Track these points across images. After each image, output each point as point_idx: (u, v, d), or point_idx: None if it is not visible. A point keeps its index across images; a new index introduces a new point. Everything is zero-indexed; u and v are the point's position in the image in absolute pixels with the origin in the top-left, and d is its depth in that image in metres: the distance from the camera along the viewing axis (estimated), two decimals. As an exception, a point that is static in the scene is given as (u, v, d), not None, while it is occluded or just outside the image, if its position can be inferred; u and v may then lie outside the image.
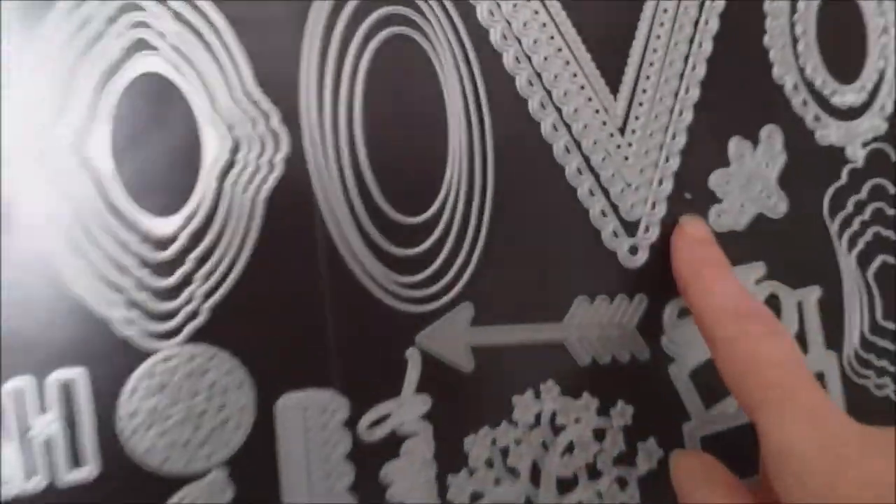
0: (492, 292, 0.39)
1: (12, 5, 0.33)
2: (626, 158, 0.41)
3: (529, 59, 0.39)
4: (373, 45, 0.37)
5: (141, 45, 0.34)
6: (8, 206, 0.32)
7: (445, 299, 0.39)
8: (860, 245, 0.46)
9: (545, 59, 0.39)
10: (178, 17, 0.34)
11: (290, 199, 0.36)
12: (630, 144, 0.41)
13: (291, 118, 0.35)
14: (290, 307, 0.36)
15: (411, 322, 0.38)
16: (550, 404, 0.41)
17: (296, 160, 0.36)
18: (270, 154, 0.35)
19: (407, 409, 0.38)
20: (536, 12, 0.39)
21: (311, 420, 0.37)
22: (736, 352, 0.36)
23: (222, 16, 0.35)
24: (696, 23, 0.42)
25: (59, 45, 0.33)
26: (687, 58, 0.42)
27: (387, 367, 0.38)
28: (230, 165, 0.35)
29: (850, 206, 0.46)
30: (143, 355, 0.34)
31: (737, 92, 0.44)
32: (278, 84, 0.35)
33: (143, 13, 0.34)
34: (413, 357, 0.38)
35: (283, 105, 0.35)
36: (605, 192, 0.41)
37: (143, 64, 0.34)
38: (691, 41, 0.42)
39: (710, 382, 0.42)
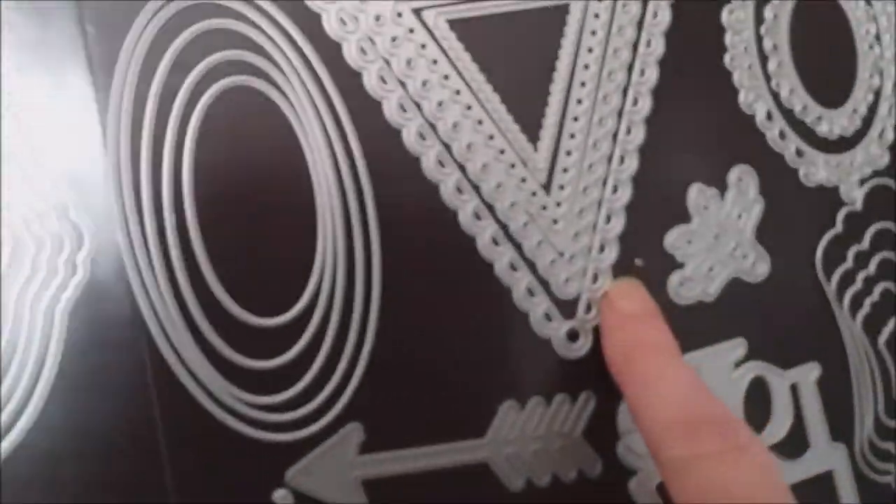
0: (386, 408, 0.31)
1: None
2: (555, 222, 0.33)
3: (419, 106, 0.31)
4: (206, 99, 0.29)
5: None
6: None
7: (324, 421, 0.30)
8: (866, 307, 0.37)
9: (439, 104, 0.32)
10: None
11: (102, 310, 0.28)
12: (559, 204, 0.33)
13: (96, 206, 0.28)
14: (114, 455, 0.28)
15: (279, 455, 0.30)
16: (475, 544, 0.32)
17: (105, 258, 0.28)
18: (70, 253, 0.28)
19: (281, 573, 0.30)
20: (423, 46, 0.32)
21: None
22: (688, 478, 0.27)
23: None
24: (636, 45, 0.35)
25: None
26: (626, 90, 0.34)
27: (250, 515, 0.30)
28: (16, 273, 0.27)
29: (850, 260, 0.37)
30: None
31: (694, 128, 0.35)
32: (76, 158, 0.28)
33: None
34: (284, 500, 0.30)
35: (85, 189, 0.28)
36: (531, 266, 0.33)
37: None
38: (630, 69, 0.34)
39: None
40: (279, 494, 0.30)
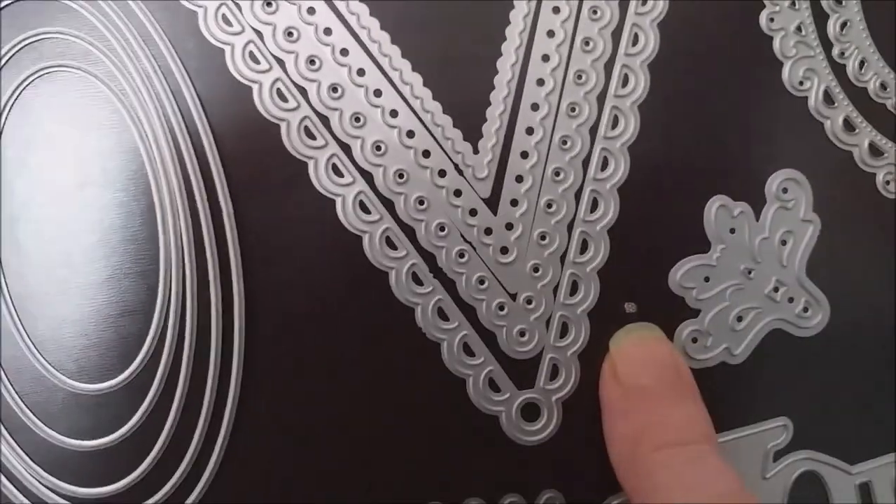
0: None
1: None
2: (504, 251, 0.25)
3: (303, 92, 0.24)
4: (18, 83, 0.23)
5: None
6: None
7: (170, 522, 0.23)
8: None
9: (333, 89, 0.24)
10: None
11: None
12: (510, 226, 0.25)
13: None
14: None
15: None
16: None
17: None
18: None
19: None
20: (311, 10, 0.24)
21: None
22: None
23: None
24: (625, 7, 0.26)
25: None
26: (611, 61, 0.26)
27: None
28: None
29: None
30: None
31: (715, 115, 0.26)
32: None
33: None
34: None
35: None
36: (470, 313, 0.25)
37: None
38: (617, 33, 0.26)
39: None
40: None
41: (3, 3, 0.24)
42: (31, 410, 0.24)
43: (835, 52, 0.28)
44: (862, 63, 0.28)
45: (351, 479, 0.24)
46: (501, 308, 0.26)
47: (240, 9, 0.24)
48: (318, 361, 0.24)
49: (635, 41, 0.27)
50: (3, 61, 0.25)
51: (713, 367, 0.27)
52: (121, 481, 0.24)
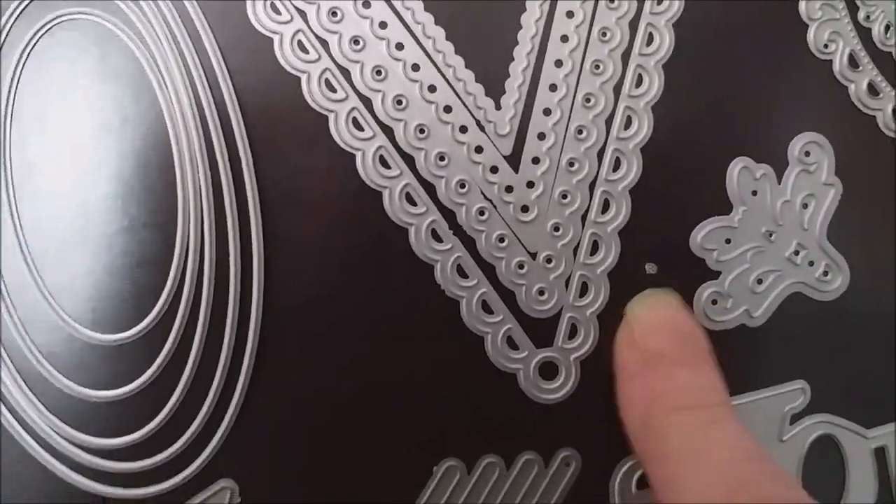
0: (270, 461, 0.24)
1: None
2: (525, 209, 0.25)
3: (324, 43, 0.24)
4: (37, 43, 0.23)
5: None
6: None
7: (183, 476, 0.24)
8: None
9: (355, 42, 0.24)
10: None
11: None
12: (531, 184, 0.25)
13: None
14: None
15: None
16: None
17: None
18: None
19: None
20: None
21: None
22: None
23: None
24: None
25: None
26: (638, 16, 0.26)
27: None
28: None
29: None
30: None
31: (736, 77, 0.27)
32: None
33: None
34: (129, 580, 0.24)
35: None
36: (489, 271, 0.25)
37: None
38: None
39: None
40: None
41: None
42: (47, 360, 0.24)
43: (860, 15, 0.28)
44: (888, 27, 0.28)
45: (368, 433, 0.25)
46: (521, 266, 0.26)
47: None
48: (336, 315, 0.25)
49: (660, 1, 0.27)
50: (20, 9, 0.25)
51: (732, 329, 0.27)
52: (136, 433, 0.24)
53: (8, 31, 0.25)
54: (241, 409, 0.24)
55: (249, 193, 0.24)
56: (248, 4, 0.25)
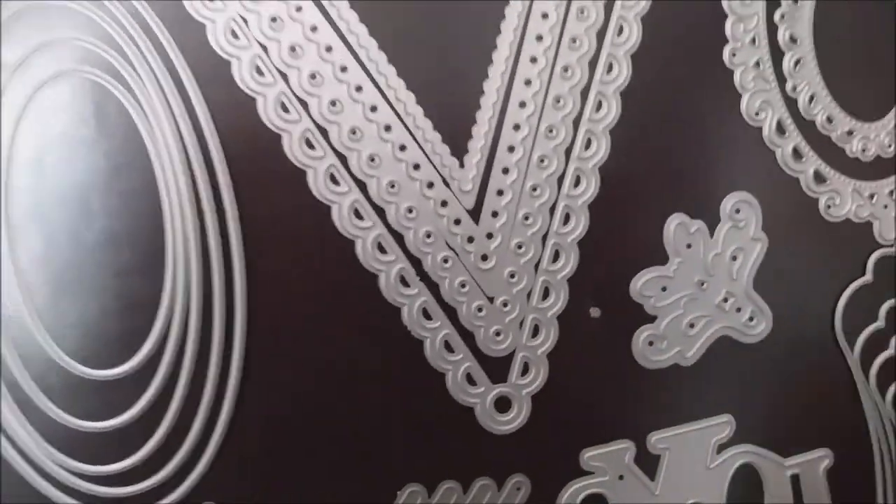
0: (251, 487, 0.27)
1: None
2: (485, 258, 0.29)
3: (304, 104, 0.27)
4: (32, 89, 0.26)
5: None
6: None
7: (171, 499, 0.26)
8: (902, 381, 0.31)
9: (333, 103, 0.27)
10: None
11: None
12: (490, 235, 0.29)
13: None
14: None
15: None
16: None
17: None
18: None
19: None
20: (314, 28, 0.27)
21: None
22: None
23: None
24: (601, 34, 0.29)
25: None
26: (586, 91, 0.29)
27: None
28: None
29: (881, 318, 0.31)
30: None
31: (676, 142, 0.30)
32: None
33: None
34: None
35: None
36: (451, 313, 0.28)
37: None
38: (593, 64, 0.29)
39: None
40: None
41: (16, 7, 0.27)
42: (43, 393, 0.26)
43: (788, 86, 0.32)
44: (812, 97, 0.32)
45: (339, 460, 0.28)
46: (480, 310, 0.29)
47: (247, 23, 0.27)
48: (312, 351, 0.28)
49: (609, 69, 0.30)
50: (20, 63, 0.27)
51: (667, 368, 0.31)
52: (126, 460, 0.27)
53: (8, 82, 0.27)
54: (223, 440, 0.27)
55: (234, 240, 0.27)
56: (234, 65, 0.27)
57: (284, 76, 0.28)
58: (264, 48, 0.27)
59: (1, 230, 0.26)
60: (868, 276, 0.32)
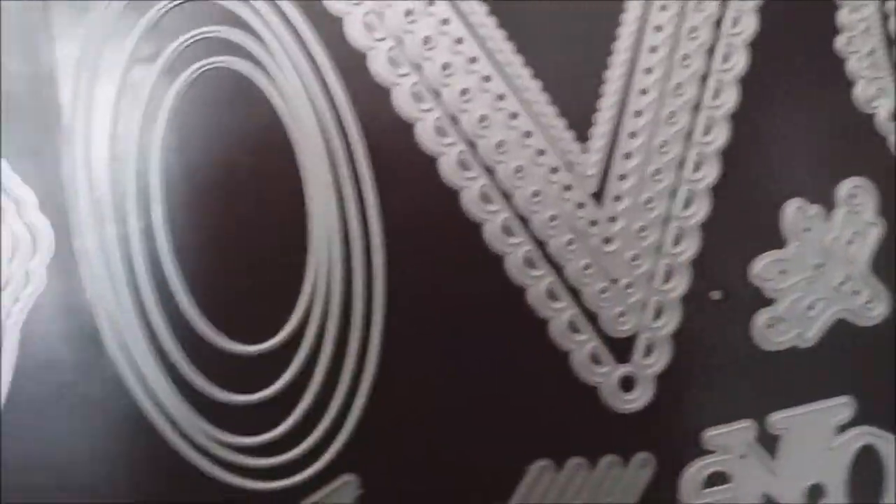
0: (388, 457, 0.28)
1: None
2: (608, 241, 0.30)
3: (437, 94, 0.29)
4: (177, 85, 0.28)
5: None
6: None
7: (312, 470, 0.28)
8: None
9: (463, 92, 0.29)
10: None
11: (56, 325, 0.27)
12: (613, 219, 0.30)
13: (51, 207, 0.27)
14: (61, 486, 0.27)
15: (257, 507, 0.28)
16: None
17: (62, 264, 0.27)
18: (24, 260, 0.26)
19: None
20: (445, 21, 0.29)
21: None
22: None
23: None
24: (719, 23, 0.31)
25: None
26: (705, 78, 0.30)
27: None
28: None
29: None
30: None
31: (793, 128, 0.31)
32: (29, 154, 0.27)
33: None
34: (262, 562, 0.28)
35: (41, 186, 0.27)
36: (575, 295, 0.29)
37: None
38: (711, 52, 0.30)
39: None
40: (256, 554, 0.28)
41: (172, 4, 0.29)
42: (198, 368, 0.28)
43: (901, 72, 0.33)
44: (924, 83, 0.33)
45: (473, 436, 0.29)
46: (604, 291, 0.30)
47: (382, 18, 0.29)
48: (444, 332, 0.29)
49: (727, 58, 0.31)
50: (171, 58, 0.29)
51: (786, 349, 0.31)
52: (271, 432, 0.28)
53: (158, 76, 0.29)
54: (362, 415, 0.29)
55: (373, 225, 0.29)
56: (371, 56, 0.29)
57: (418, 67, 0.30)
58: (399, 41, 0.29)
59: (155, 214, 0.28)
60: None
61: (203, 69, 0.28)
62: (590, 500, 0.30)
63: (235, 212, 0.28)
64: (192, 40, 0.28)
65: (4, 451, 0.27)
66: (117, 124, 0.27)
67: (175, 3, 0.29)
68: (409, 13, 0.29)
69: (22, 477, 0.28)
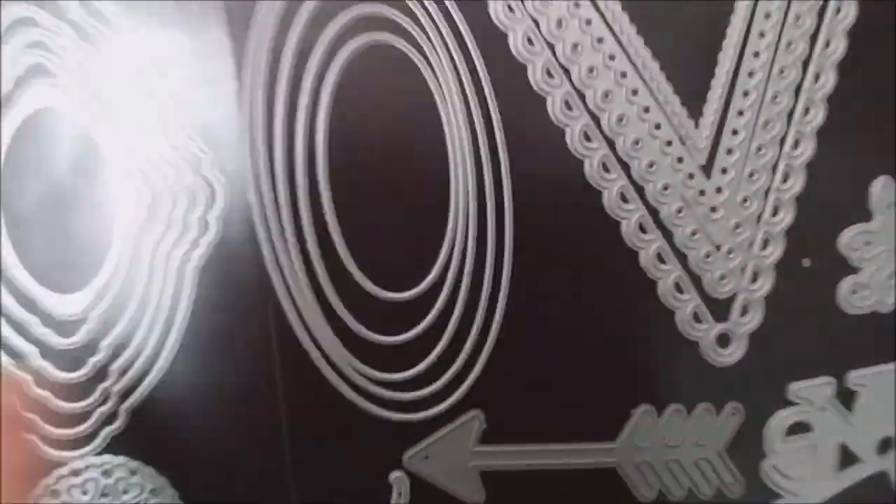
0: (510, 397, 0.32)
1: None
2: (714, 210, 0.33)
3: (567, 71, 0.32)
4: (343, 58, 0.31)
5: (37, 72, 0.29)
6: None
7: (445, 405, 0.32)
8: None
9: (590, 71, 0.32)
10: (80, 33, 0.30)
11: (232, 270, 0.30)
12: (719, 190, 0.33)
13: (230, 162, 0.30)
14: (234, 414, 0.31)
15: (397, 435, 0.32)
16: (596, 555, 0.33)
17: (237, 218, 0.30)
18: (203, 210, 0.30)
19: (390, 555, 0.32)
20: (577, 5, 0.32)
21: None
22: None
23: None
24: (822, 12, 0.33)
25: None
26: (807, 63, 0.33)
27: (362, 496, 0.32)
28: (151, 226, 0.30)
29: None
30: (47, 468, 0.30)
31: (885, 109, 0.34)
32: (213, 116, 0.30)
33: (39, 29, 0.30)
34: (400, 483, 0.32)
35: (220, 144, 0.30)
36: (682, 258, 0.33)
37: (41, 95, 0.30)
38: (814, 39, 0.33)
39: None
40: (395, 476, 0.32)
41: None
42: (350, 313, 0.32)
43: None
44: None
45: (585, 381, 0.33)
46: (707, 256, 0.34)
47: (522, 1, 0.32)
48: (564, 287, 0.33)
49: (827, 45, 0.34)
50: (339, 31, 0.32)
51: (866, 314, 0.35)
52: (411, 370, 0.32)
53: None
54: (489, 359, 0.33)
55: (505, 189, 0.32)
56: (511, 36, 0.32)
57: (551, 46, 0.33)
58: (535, 22, 0.32)
59: (321, 172, 0.32)
60: None
61: (369, 44, 0.32)
62: (684, 442, 0.34)
63: (389, 174, 0.32)
64: (356, 15, 0.32)
65: (184, 376, 0.31)
66: (292, 92, 0.31)
67: None
68: (543, -2, 0.32)
69: (196, 401, 0.32)
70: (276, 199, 0.31)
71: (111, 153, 0.31)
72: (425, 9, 0.32)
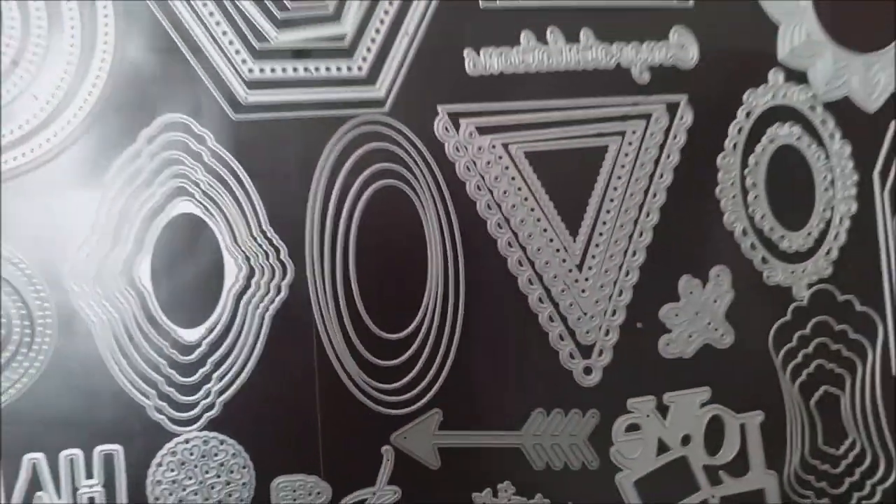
0: (459, 402, 0.53)
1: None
2: (583, 291, 0.55)
3: (499, 206, 0.54)
4: (368, 193, 0.52)
5: (180, 192, 0.49)
6: (71, 316, 0.47)
7: (418, 405, 0.52)
8: (803, 376, 0.57)
9: (513, 206, 0.54)
10: (208, 169, 0.49)
11: (292, 317, 0.51)
12: (587, 279, 0.55)
13: (297, 252, 0.50)
14: (287, 406, 0.51)
15: (388, 423, 0.52)
16: (506, 503, 0.53)
17: (298, 286, 0.51)
18: (278, 280, 0.50)
19: (380, 498, 0.51)
20: (507, 168, 0.54)
21: (300, 500, 0.50)
22: None
23: (243, 168, 0.50)
24: (651, 176, 0.56)
25: (116, 189, 0.48)
26: (641, 206, 0.56)
27: (365, 460, 0.52)
28: (245, 288, 0.50)
29: (794, 340, 0.58)
30: (169, 437, 0.48)
31: (688, 236, 0.57)
32: (287, 224, 0.50)
33: (182, 166, 0.49)
34: (388, 453, 0.52)
35: (291, 241, 0.50)
36: (564, 320, 0.55)
37: (180, 207, 0.49)
38: (646, 192, 0.56)
39: (654, 491, 0.54)
40: (385, 449, 0.52)
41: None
42: (360, 344, 0.52)
43: None
44: None
45: (501, 397, 0.53)
46: (579, 318, 0.55)
47: (475, 164, 0.53)
48: (493, 343, 0.53)
49: (661, 176, 0.57)
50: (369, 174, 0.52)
51: (675, 359, 0.57)
52: (397, 383, 0.52)
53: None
54: (446, 379, 0.53)
55: (460, 275, 0.53)
56: (468, 183, 0.53)
57: (491, 191, 0.54)
58: (482, 176, 0.54)
59: (350, 259, 0.52)
60: (788, 317, 0.59)
61: (381, 186, 0.53)
62: (562, 433, 0.55)
63: (392, 264, 0.52)
64: (377, 169, 0.53)
65: (257, 388, 0.50)
66: (335, 214, 0.51)
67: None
68: (488, 163, 0.54)
69: (267, 404, 0.51)
70: (322, 275, 0.51)
71: (225, 243, 0.50)
72: (418, 166, 0.53)
